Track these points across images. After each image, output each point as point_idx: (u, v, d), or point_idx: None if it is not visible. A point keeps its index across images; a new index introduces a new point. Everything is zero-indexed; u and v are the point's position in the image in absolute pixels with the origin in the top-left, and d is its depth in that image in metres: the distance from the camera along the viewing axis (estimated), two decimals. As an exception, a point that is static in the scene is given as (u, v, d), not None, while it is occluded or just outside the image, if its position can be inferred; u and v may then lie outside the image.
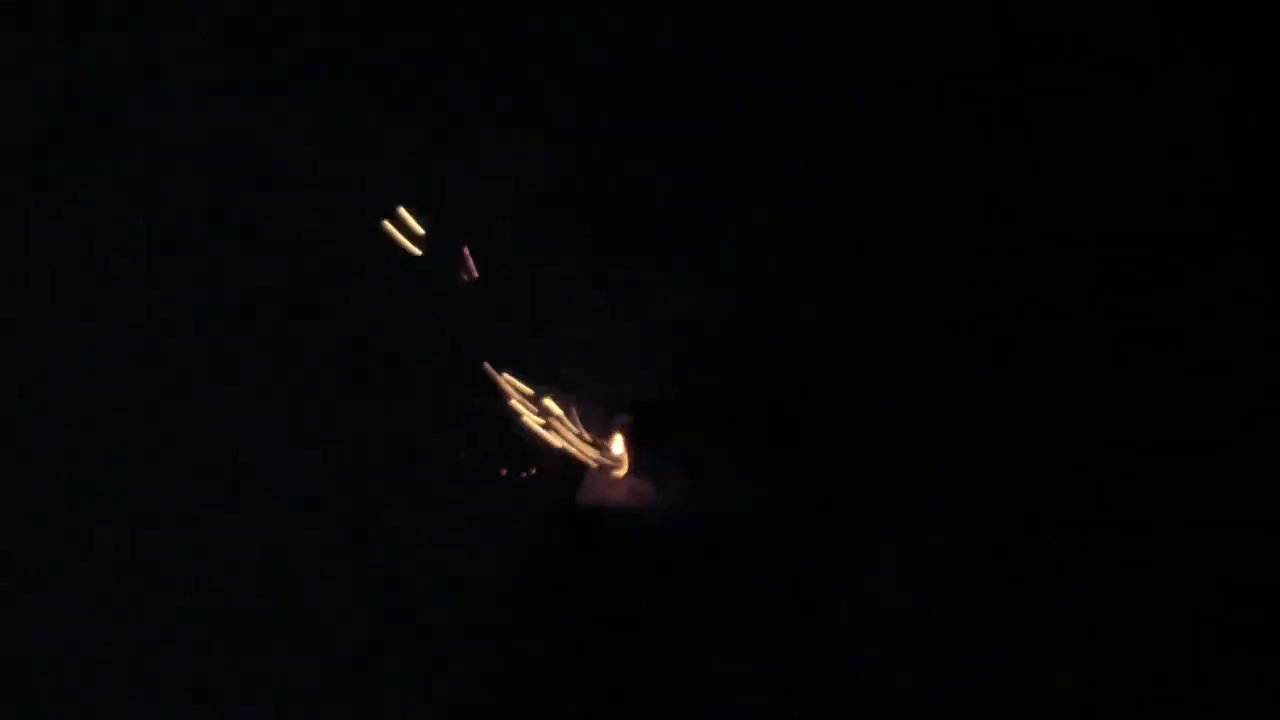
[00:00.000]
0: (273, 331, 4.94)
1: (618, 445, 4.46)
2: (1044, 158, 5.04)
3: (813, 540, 4.77)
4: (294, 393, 4.88)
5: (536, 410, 4.20)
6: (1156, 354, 4.86)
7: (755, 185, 5.06)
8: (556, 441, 4.23)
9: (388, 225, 4.22)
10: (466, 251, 4.46)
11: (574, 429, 4.29)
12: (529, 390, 4.22)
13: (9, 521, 4.81)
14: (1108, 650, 4.60)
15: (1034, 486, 4.78)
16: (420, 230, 4.28)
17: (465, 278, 4.47)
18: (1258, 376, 4.80)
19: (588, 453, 4.33)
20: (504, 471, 4.59)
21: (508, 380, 4.18)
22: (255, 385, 4.90)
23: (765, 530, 4.76)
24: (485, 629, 4.64)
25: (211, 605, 4.79)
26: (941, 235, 5.02)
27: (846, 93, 5.13)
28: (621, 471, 4.46)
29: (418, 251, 4.27)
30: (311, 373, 4.90)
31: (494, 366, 4.18)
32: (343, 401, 4.84)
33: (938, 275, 4.99)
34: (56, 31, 5.13)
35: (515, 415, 4.15)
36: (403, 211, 4.25)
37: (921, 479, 4.80)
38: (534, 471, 4.55)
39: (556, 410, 4.21)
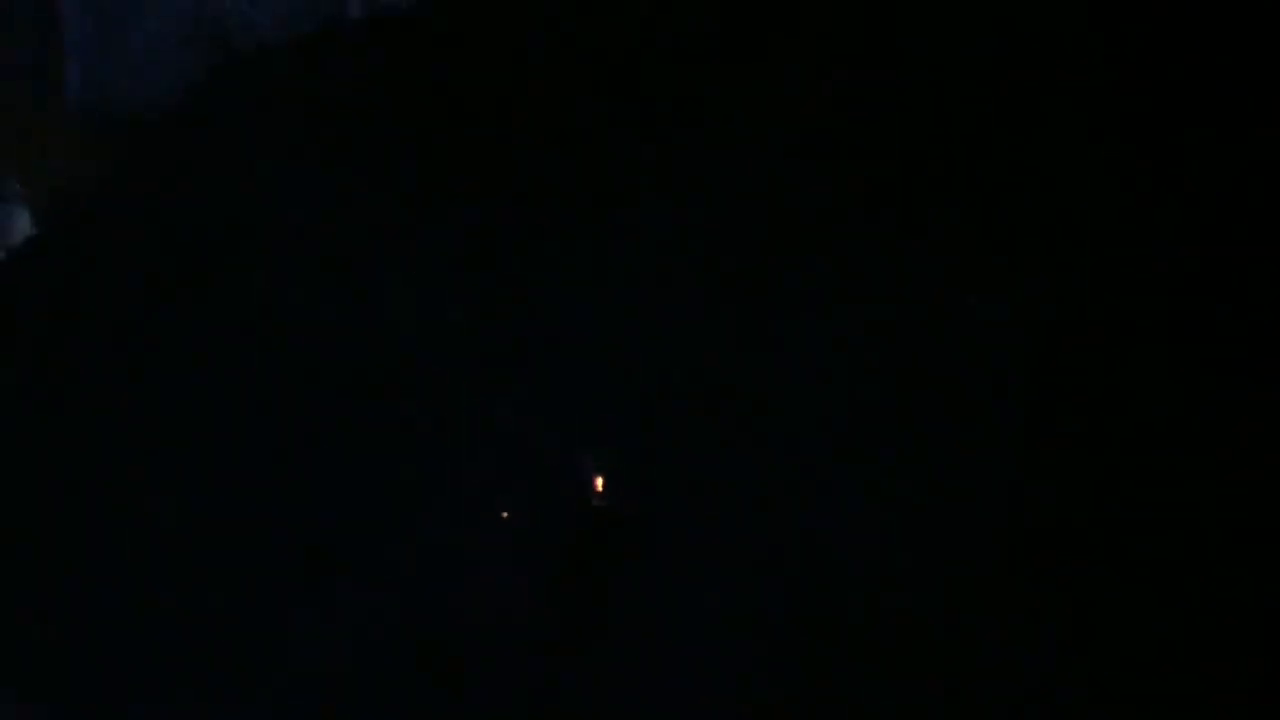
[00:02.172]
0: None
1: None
2: (1043, 158, 5.04)
3: (813, 540, 4.79)
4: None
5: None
6: (1157, 354, 4.86)
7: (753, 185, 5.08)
8: None
9: None
10: None
11: None
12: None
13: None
14: (1107, 650, 4.60)
15: (1034, 487, 4.79)
16: None
17: None
18: (1259, 377, 4.80)
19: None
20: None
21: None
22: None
23: (765, 530, 4.78)
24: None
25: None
26: (942, 237, 5.03)
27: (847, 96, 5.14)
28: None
29: None
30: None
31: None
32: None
33: (938, 277, 5.00)
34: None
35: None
36: None
37: (920, 479, 4.81)
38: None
39: None
